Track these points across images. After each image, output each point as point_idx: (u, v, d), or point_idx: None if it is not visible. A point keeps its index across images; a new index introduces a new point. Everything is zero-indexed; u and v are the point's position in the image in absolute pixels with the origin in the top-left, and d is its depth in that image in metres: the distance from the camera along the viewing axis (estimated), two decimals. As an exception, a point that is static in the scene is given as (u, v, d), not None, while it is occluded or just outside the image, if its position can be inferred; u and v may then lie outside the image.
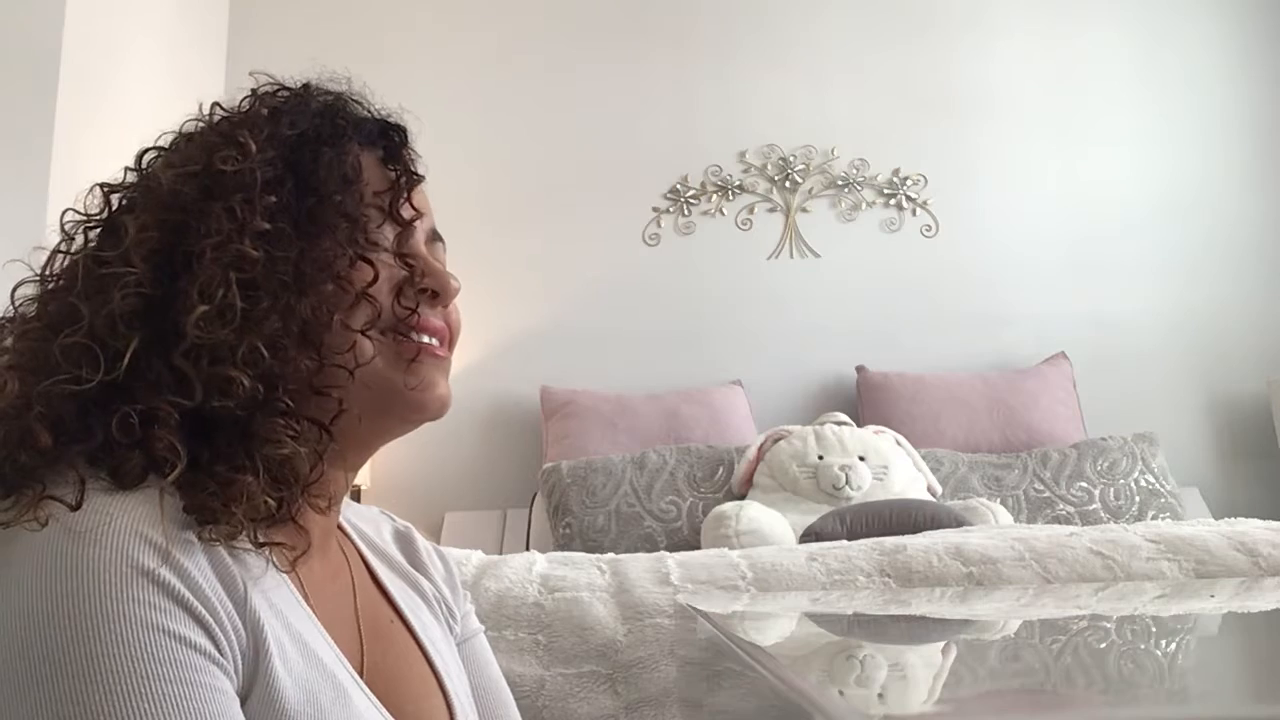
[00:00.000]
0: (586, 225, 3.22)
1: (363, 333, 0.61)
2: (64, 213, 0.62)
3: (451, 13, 3.36)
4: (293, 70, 0.70)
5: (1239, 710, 0.52)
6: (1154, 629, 0.86)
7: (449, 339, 0.68)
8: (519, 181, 3.23)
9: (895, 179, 3.27)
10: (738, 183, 3.26)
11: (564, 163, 3.25)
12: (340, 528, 0.72)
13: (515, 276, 3.16)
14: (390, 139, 0.69)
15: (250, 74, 0.68)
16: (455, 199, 3.11)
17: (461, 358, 3.05)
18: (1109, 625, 0.89)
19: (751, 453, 2.47)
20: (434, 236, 0.71)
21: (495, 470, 3.04)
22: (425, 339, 0.65)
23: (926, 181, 3.27)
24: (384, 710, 0.61)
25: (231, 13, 3.28)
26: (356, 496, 2.78)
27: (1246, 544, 1.25)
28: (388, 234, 0.65)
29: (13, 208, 1.99)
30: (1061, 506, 2.50)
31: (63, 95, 2.13)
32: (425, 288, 0.66)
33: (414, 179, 0.68)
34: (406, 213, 0.66)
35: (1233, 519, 1.62)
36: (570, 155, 3.26)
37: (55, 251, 0.61)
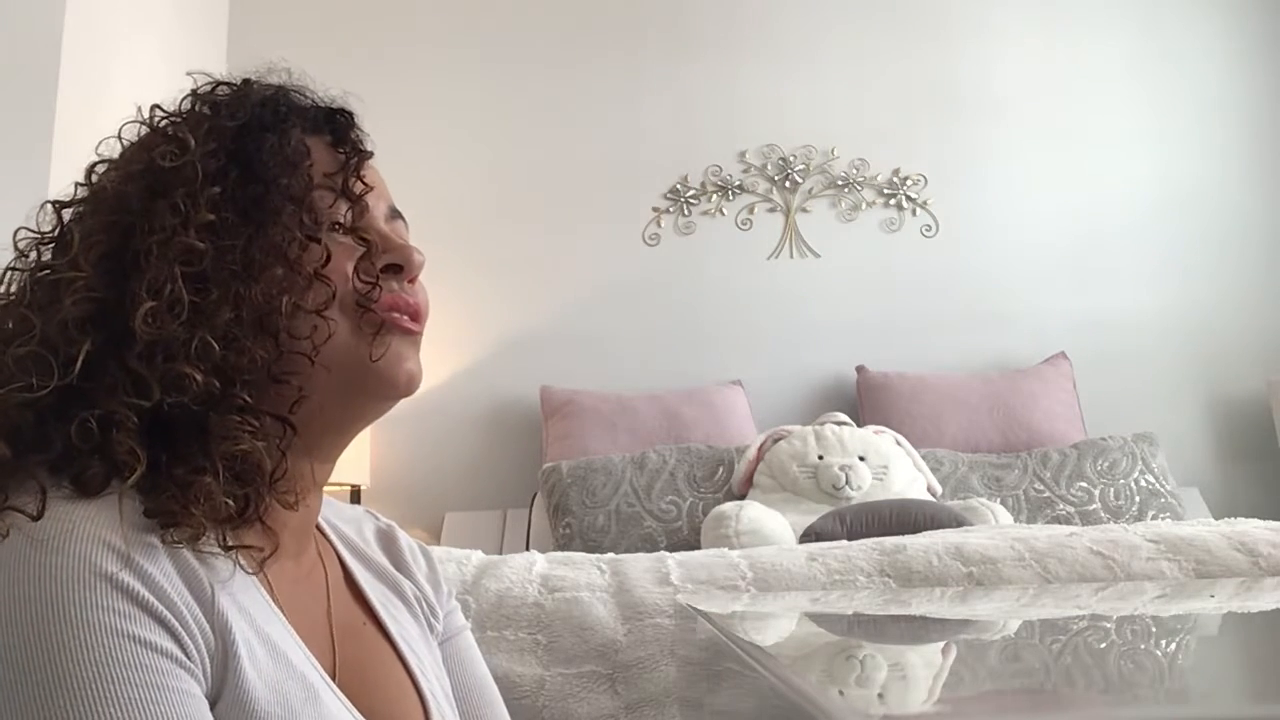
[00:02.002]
0: (586, 225, 3.22)
1: (319, 313, 0.60)
2: (16, 231, 0.62)
3: (451, 13, 3.35)
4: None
5: (1239, 710, 0.52)
6: (1154, 629, 0.86)
7: (418, 315, 0.66)
8: (519, 181, 3.23)
9: (895, 179, 3.27)
10: (738, 183, 3.26)
11: (564, 162, 3.25)
12: (320, 529, 0.72)
13: (515, 276, 3.16)
14: (336, 122, 0.68)
15: (188, 74, 0.68)
16: (455, 199, 3.12)
17: (462, 358, 3.07)
18: (1109, 625, 0.89)
19: (751, 453, 2.47)
20: (393, 214, 0.70)
21: (495, 470, 3.04)
22: (394, 315, 0.64)
23: (926, 181, 3.27)
24: (355, 711, 0.60)
25: (231, 13, 3.28)
26: (356, 496, 2.77)
27: (1246, 544, 1.25)
28: (343, 213, 0.65)
29: (12, 207, 1.98)
30: (1061, 506, 2.50)
31: (63, 95, 2.12)
32: (388, 263, 0.65)
33: (363, 155, 0.67)
34: (358, 189, 0.66)
35: (1233, 519, 1.62)
36: (570, 155, 3.26)
37: (9, 269, 0.61)
